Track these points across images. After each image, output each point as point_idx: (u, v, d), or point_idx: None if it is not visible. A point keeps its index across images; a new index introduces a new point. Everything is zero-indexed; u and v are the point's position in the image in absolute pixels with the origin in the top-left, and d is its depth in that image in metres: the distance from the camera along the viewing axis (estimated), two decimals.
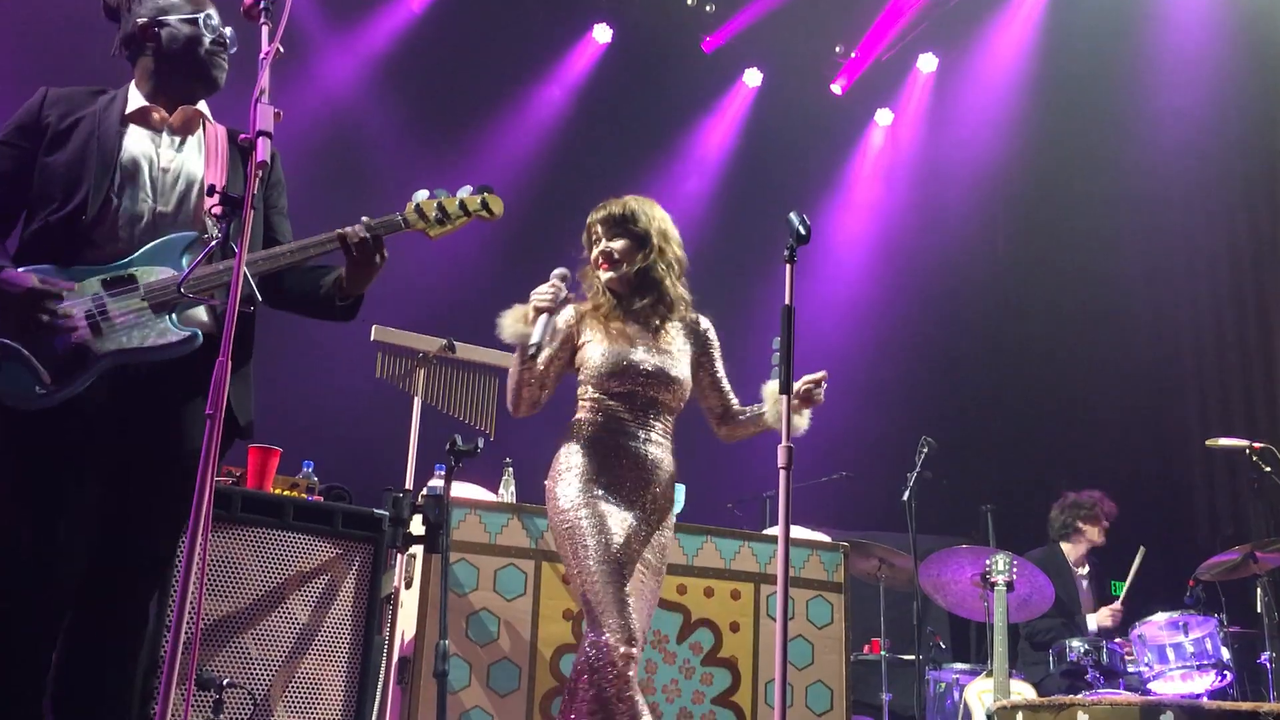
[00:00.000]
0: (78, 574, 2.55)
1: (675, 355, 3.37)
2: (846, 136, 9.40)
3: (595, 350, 3.30)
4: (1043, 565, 5.57)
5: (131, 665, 2.58)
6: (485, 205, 2.92)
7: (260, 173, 2.16)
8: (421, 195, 2.86)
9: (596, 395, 3.29)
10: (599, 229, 3.44)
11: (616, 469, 3.21)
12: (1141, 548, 6.24)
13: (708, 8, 8.64)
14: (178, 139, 2.78)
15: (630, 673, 2.94)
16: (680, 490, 3.86)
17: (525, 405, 3.33)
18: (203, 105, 2.85)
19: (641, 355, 3.29)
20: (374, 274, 2.79)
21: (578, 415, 3.33)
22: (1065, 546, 6.36)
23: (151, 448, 2.57)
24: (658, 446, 3.29)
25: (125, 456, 2.57)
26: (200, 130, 2.83)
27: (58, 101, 2.75)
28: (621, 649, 2.94)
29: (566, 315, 3.39)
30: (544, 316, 3.15)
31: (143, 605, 2.61)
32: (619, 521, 3.14)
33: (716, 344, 3.52)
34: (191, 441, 2.58)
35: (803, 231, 3.02)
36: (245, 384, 2.79)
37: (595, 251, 3.43)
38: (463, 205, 2.90)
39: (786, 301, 2.96)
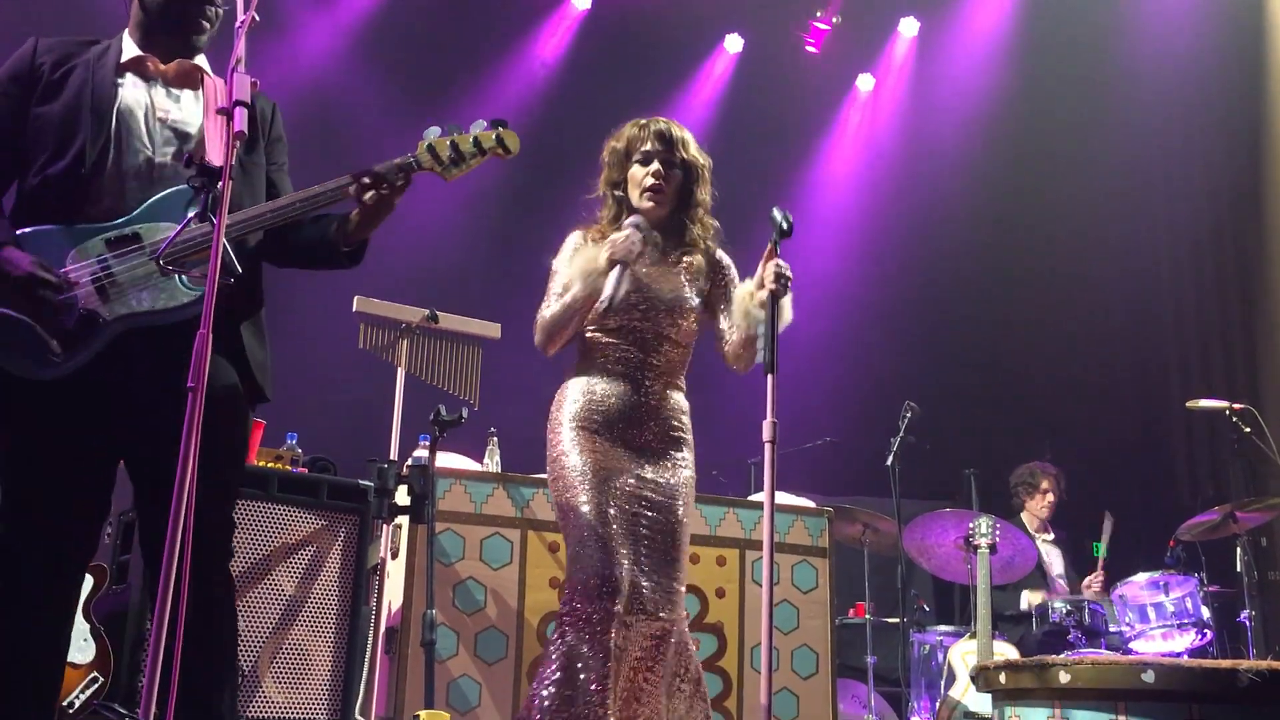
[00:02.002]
0: (91, 542, 2.52)
1: (687, 287, 3.17)
2: (828, 102, 9.37)
3: (579, 262, 3.07)
4: None
5: (219, 633, 2.50)
6: (500, 142, 2.71)
7: (239, 142, 2.11)
8: (433, 133, 2.66)
9: (594, 333, 3.12)
10: (652, 144, 3.18)
11: (612, 410, 3.05)
12: (1107, 515, 6.26)
13: None
14: (173, 90, 2.68)
15: (607, 627, 2.80)
16: None
17: (561, 346, 3.13)
18: (201, 59, 2.74)
19: (649, 287, 3.10)
20: (385, 216, 2.65)
21: (577, 355, 3.17)
22: (1023, 516, 6.44)
23: (175, 414, 2.46)
24: (660, 382, 3.11)
25: (151, 424, 2.46)
26: (199, 84, 2.71)
27: (50, 50, 2.64)
28: (595, 601, 2.81)
29: (576, 239, 3.21)
30: (619, 268, 2.95)
31: (213, 575, 2.49)
32: (614, 467, 2.99)
33: (735, 278, 3.28)
34: (217, 404, 2.51)
35: (785, 226, 2.97)
36: (260, 338, 2.69)
37: (644, 171, 3.18)
38: (477, 143, 2.68)
39: (773, 289, 2.92)
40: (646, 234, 3.08)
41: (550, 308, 3.12)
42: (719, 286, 3.26)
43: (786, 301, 3.02)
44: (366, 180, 2.58)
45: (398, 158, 2.62)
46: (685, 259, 3.21)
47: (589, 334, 3.14)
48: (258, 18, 2.30)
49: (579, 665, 2.79)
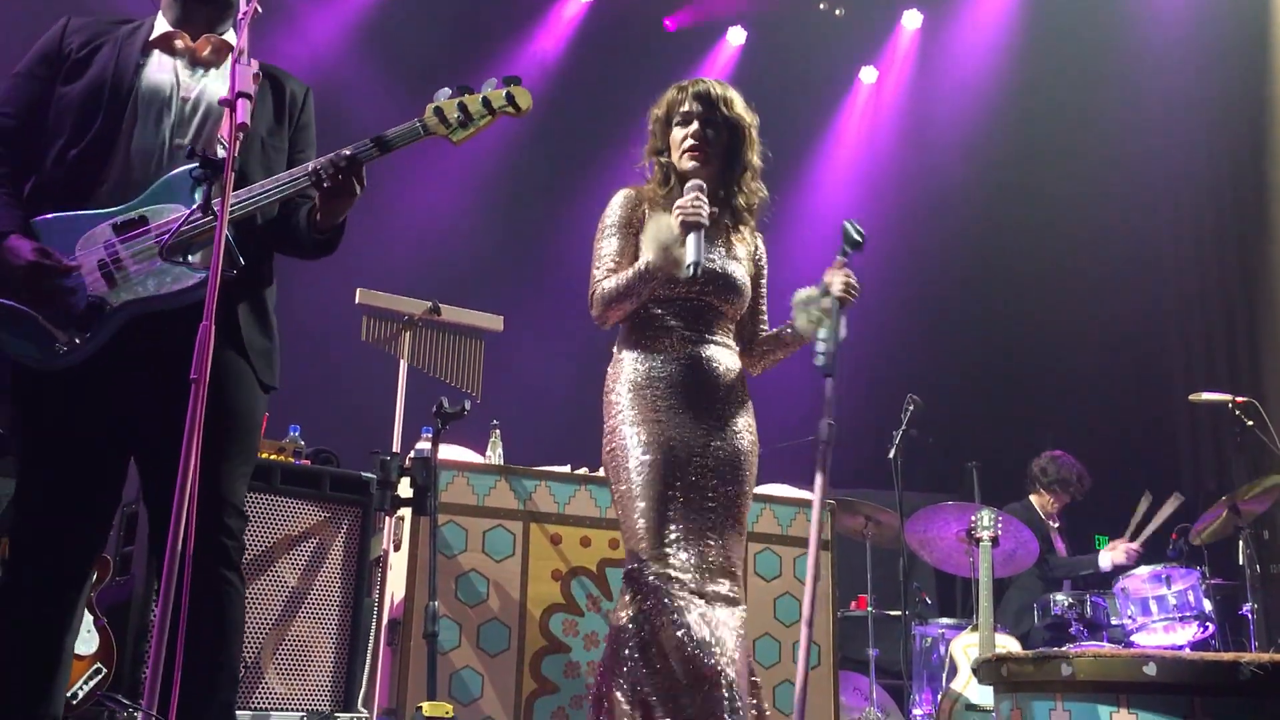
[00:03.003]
0: (101, 535, 2.52)
1: (740, 262, 3.10)
2: (831, 94, 9.36)
3: (651, 231, 2.92)
4: (1019, 519, 5.62)
5: (230, 615, 2.49)
6: (511, 100, 2.60)
7: (240, 134, 2.09)
8: (443, 94, 2.58)
9: (647, 304, 3.00)
10: (691, 105, 3.08)
11: (673, 378, 2.96)
12: (1178, 497, 6.21)
13: None
14: (200, 68, 2.63)
15: (670, 589, 2.73)
16: None
17: (621, 318, 3.04)
18: (230, 35, 2.67)
19: (705, 260, 2.93)
20: (350, 204, 2.56)
21: (629, 328, 3.06)
22: (1034, 499, 6.44)
23: (179, 404, 2.23)
24: (719, 348, 3.04)
25: (158, 415, 2.44)
26: (228, 62, 2.63)
27: (80, 29, 2.61)
28: (654, 566, 2.75)
29: (627, 197, 3.09)
30: (696, 233, 2.83)
31: (217, 570, 2.47)
32: (676, 436, 2.91)
33: (765, 268, 3.24)
34: (230, 390, 2.48)
35: (857, 238, 2.97)
36: (262, 323, 2.62)
37: (683, 133, 3.08)
38: (486, 102, 2.59)
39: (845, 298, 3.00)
40: (705, 193, 2.95)
41: (611, 278, 2.99)
42: (756, 273, 3.19)
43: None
44: (326, 170, 2.48)
45: (403, 124, 2.56)
46: (736, 233, 3.13)
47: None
48: (259, 9, 2.29)
49: (668, 640, 2.72)
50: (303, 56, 7.22)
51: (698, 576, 2.80)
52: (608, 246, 3.05)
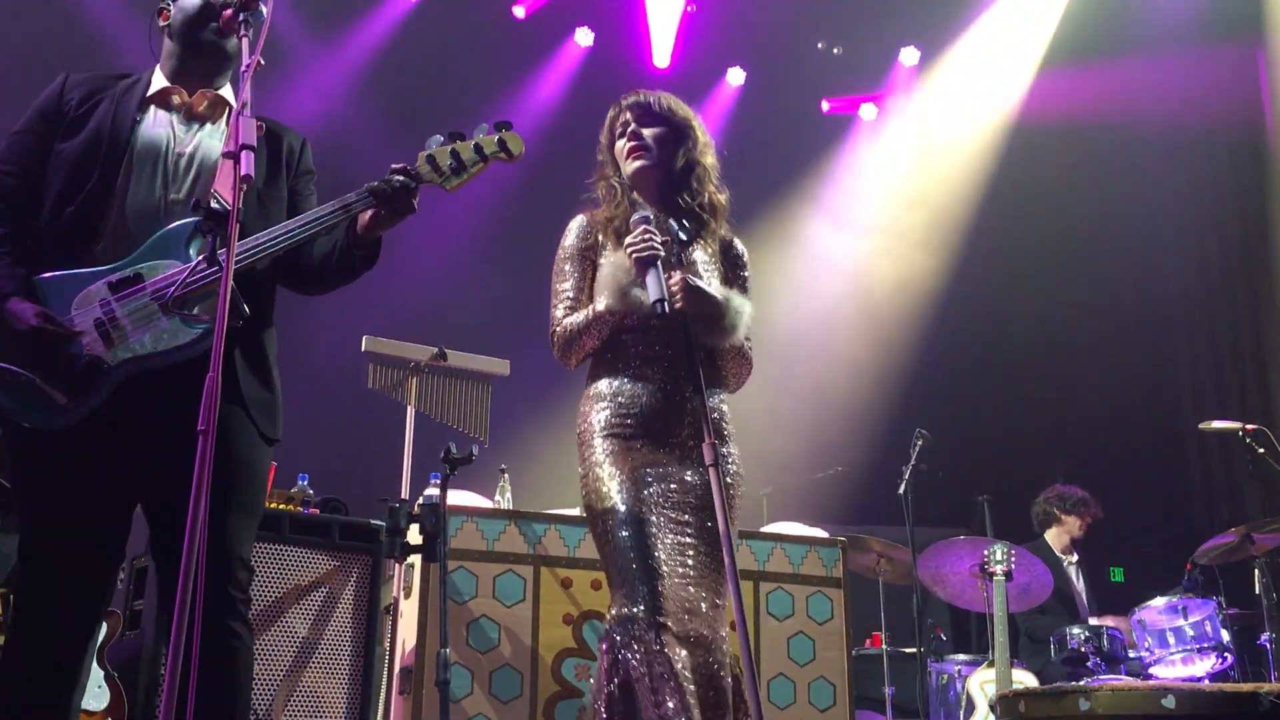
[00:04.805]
0: (107, 588, 2.52)
1: (704, 275, 2.93)
2: (833, 131, 9.41)
3: (608, 272, 2.85)
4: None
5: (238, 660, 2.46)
6: (503, 146, 2.62)
7: (244, 185, 2.10)
8: (435, 141, 2.59)
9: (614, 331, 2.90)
10: (629, 115, 3.02)
11: (645, 411, 2.85)
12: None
13: (689, 8, 8.65)
14: (196, 123, 2.64)
15: (662, 644, 2.60)
16: None
17: (583, 358, 2.97)
18: (227, 91, 2.69)
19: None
20: (400, 219, 2.57)
21: (598, 355, 2.96)
22: (1049, 536, 6.38)
23: (184, 456, 2.20)
24: (689, 380, 2.85)
25: (161, 467, 2.44)
26: (224, 118, 2.66)
27: (79, 85, 2.62)
28: (646, 619, 2.62)
29: (581, 224, 3.03)
30: (654, 269, 2.70)
31: (225, 622, 2.45)
32: (652, 474, 2.80)
33: (748, 272, 3.10)
34: (232, 443, 2.46)
35: (684, 237, 2.85)
36: (262, 373, 2.61)
37: (624, 141, 3.02)
38: (478, 149, 2.59)
39: (678, 305, 2.77)
40: (663, 224, 2.90)
41: (569, 317, 2.93)
42: (734, 277, 3.05)
43: (745, 307, 2.90)
44: (393, 185, 2.52)
45: (398, 173, 2.55)
46: (698, 239, 3.01)
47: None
48: (263, 62, 2.31)
49: (644, 689, 2.59)
50: (302, 104, 7.29)
51: (680, 619, 2.68)
52: (563, 282, 3.00)
